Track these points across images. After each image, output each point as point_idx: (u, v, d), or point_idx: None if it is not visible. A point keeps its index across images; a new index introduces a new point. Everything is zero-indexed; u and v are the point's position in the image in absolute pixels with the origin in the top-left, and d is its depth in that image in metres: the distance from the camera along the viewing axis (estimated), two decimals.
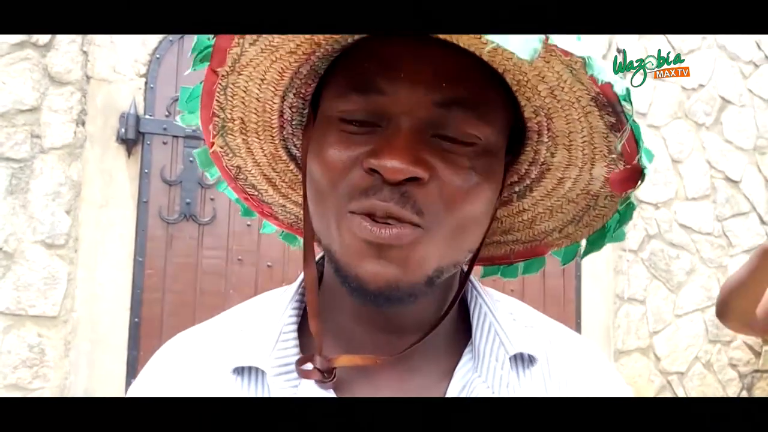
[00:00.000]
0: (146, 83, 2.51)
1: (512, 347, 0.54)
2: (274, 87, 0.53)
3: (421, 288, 0.49)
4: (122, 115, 2.44)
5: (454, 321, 0.58)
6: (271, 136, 0.58)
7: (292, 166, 0.61)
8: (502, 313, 0.57)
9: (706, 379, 3.63)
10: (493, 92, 0.49)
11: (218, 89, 0.53)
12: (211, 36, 0.49)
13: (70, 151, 2.38)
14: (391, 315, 0.54)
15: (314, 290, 0.54)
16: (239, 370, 0.55)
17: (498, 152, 0.51)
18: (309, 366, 0.52)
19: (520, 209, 0.62)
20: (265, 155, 0.59)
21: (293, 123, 0.57)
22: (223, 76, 0.51)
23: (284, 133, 0.58)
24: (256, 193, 0.63)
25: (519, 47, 0.40)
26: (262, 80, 0.52)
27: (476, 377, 0.53)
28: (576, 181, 0.59)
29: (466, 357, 0.55)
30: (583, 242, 0.67)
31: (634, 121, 0.50)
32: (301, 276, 0.57)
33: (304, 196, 0.55)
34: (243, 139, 0.57)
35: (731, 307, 1.72)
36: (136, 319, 2.40)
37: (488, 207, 0.52)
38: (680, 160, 3.66)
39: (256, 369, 0.54)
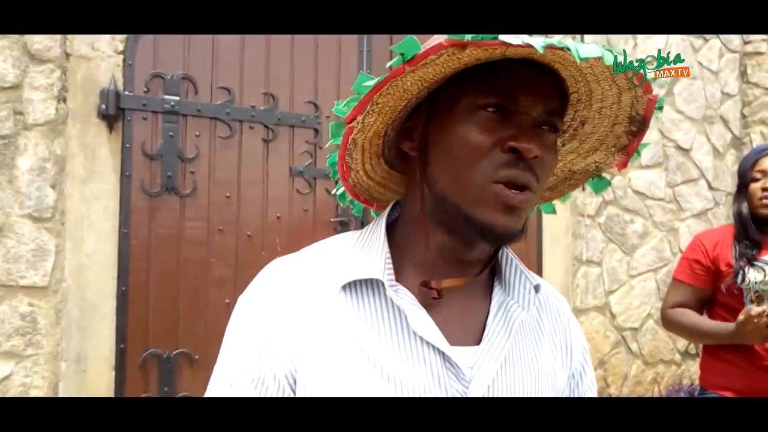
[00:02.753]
0: (125, 60, 2.59)
1: (534, 280, 0.78)
2: (420, 84, 0.69)
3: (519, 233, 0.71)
4: (102, 92, 2.51)
5: None
6: (390, 117, 0.73)
7: (379, 141, 0.78)
8: (518, 259, 0.80)
9: (657, 334, 3.90)
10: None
11: (393, 80, 0.67)
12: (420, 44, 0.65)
13: (52, 127, 2.45)
14: (469, 252, 0.74)
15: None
16: (350, 285, 0.71)
17: None
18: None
19: None
20: (373, 130, 0.75)
21: (408, 108, 0.74)
22: (408, 72, 0.66)
23: (394, 122, 0.75)
24: (350, 159, 0.79)
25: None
26: (421, 78, 0.68)
27: (509, 299, 0.76)
28: (566, 164, 0.85)
29: (497, 286, 0.78)
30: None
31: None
32: (384, 219, 0.76)
33: (422, 163, 0.73)
34: (375, 118, 0.72)
35: (683, 338, 2.10)
36: (123, 288, 2.52)
37: None
38: None
39: (373, 281, 0.71)
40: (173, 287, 2.59)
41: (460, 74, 0.69)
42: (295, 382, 0.69)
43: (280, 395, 0.69)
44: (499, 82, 0.68)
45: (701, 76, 4.13)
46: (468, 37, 0.61)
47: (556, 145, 0.74)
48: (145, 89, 2.61)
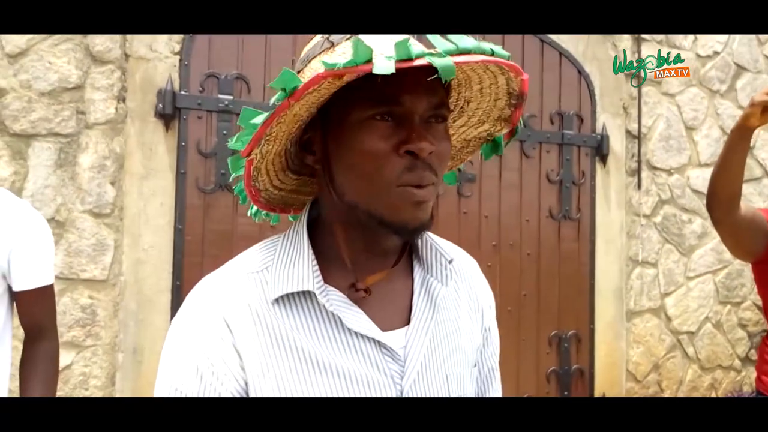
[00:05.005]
0: (181, 60, 2.65)
1: (449, 256, 0.84)
2: (308, 107, 0.73)
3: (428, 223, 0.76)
4: (159, 92, 2.59)
5: None
6: (286, 140, 0.78)
7: (281, 160, 0.82)
8: (431, 236, 0.86)
9: (715, 338, 3.77)
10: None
11: (281, 115, 0.70)
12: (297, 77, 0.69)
13: (112, 126, 2.54)
14: (387, 244, 0.80)
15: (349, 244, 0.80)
16: (282, 299, 0.75)
17: None
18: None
19: None
20: (273, 155, 0.79)
21: (304, 127, 0.78)
22: (293, 104, 0.69)
23: (292, 138, 0.79)
24: (257, 183, 0.83)
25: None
26: (307, 103, 0.71)
27: (429, 276, 0.83)
28: (459, 135, 0.91)
29: (416, 267, 0.85)
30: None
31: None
32: (304, 225, 0.80)
33: (328, 176, 0.77)
34: (270, 146, 0.76)
35: (716, 191, 1.80)
36: (178, 282, 2.59)
37: None
38: (694, 126, 3.74)
39: (305, 293, 0.75)
40: None
41: (345, 87, 0.71)
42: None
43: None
44: (383, 90, 0.71)
45: (767, 69, 3.96)
46: (341, 65, 0.65)
47: (447, 132, 0.79)
48: (200, 89, 2.67)
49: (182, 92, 2.63)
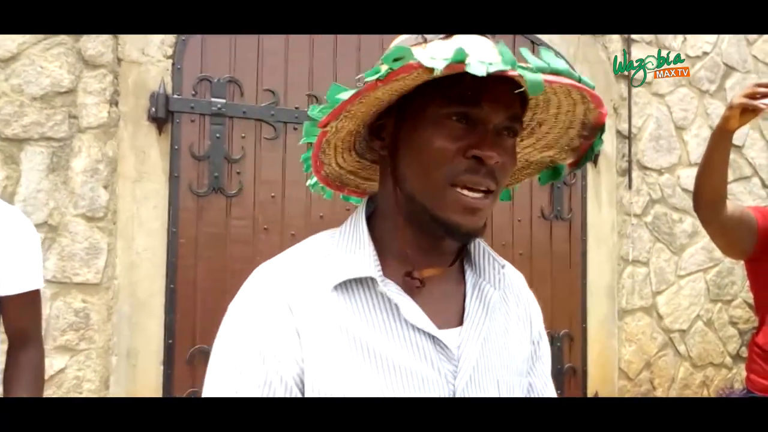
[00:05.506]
0: (173, 64, 2.65)
1: (501, 261, 0.86)
2: (390, 93, 0.74)
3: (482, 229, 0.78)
4: (152, 95, 2.59)
5: None
6: (362, 121, 0.79)
7: (350, 138, 0.84)
8: (483, 242, 0.88)
9: (707, 336, 3.80)
10: None
11: (364, 95, 0.72)
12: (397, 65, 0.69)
13: (105, 129, 2.54)
14: (443, 245, 0.81)
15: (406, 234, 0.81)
16: (342, 286, 0.76)
17: None
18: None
19: None
20: (345, 131, 0.80)
21: (379, 112, 0.79)
22: (380, 86, 0.70)
23: (366, 121, 0.80)
24: (323, 156, 0.85)
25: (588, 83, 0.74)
26: (391, 89, 0.72)
27: (482, 280, 0.84)
28: (523, 155, 0.92)
29: (468, 270, 0.86)
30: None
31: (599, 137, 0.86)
32: (362, 216, 0.81)
33: (392, 163, 0.79)
34: (346, 122, 0.77)
35: (700, 192, 1.82)
36: (172, 285, 2.59)
37: None
38: (684, 126, 3.77)
39: (366, 279, 0.76)
40: (220, 285, 2.65)
41: (429, 83, 0.72)
42: (302, 382, 0.72)
43: (288, 396, 0.72)
44: (465, 92, 0.72)
45: (755, 69, 4.00)
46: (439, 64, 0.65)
47: (515, 148, 0.79)
48: (193, 92, 2.68)
49: (175, 96, 2.63)
